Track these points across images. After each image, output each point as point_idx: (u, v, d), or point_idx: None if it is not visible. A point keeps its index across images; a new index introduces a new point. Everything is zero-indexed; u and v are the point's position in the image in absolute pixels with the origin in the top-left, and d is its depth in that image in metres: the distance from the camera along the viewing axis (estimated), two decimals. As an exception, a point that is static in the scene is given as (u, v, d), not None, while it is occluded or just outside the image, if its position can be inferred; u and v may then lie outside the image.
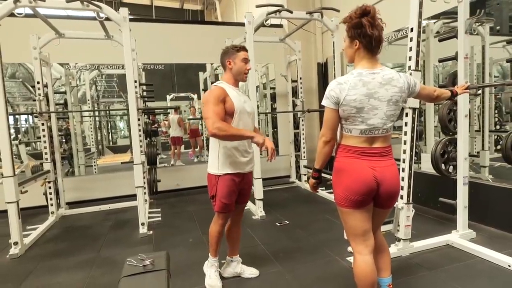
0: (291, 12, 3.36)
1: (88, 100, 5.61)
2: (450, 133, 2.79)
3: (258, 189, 3.38)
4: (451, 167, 2.76)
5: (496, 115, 4.27)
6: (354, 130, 1.36)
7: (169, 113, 7.34)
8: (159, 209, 3.77)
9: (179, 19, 9.39)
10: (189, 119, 6.74)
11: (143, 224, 3.03)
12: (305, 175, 4.68)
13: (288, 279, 2.08)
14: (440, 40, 3.19)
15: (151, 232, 3.06)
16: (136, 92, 3.38)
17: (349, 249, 2.38)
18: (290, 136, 5.01)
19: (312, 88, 5.58)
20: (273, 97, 5.72)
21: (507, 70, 4.13)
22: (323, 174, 1.56)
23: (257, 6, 3.43)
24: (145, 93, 4.65)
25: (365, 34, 1.29)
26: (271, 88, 5.94)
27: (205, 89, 6.08)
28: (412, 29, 2.21)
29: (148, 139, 4.33)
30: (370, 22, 1.28)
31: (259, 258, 2.38)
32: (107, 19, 2.91)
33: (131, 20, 2.96)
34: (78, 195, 4.27)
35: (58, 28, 3.41)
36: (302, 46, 4.61)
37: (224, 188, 1.87)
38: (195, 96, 6.99)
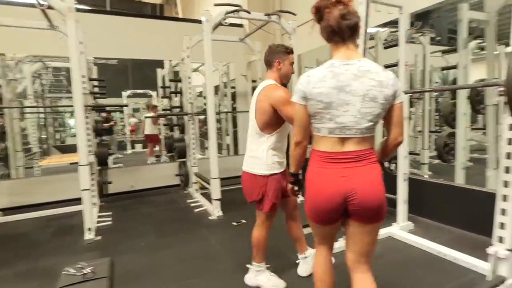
0: (249, 12, 3.37)
1: (30, 95, 5.10)
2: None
3: (214, 189, 3.36)
4: (393, 165, 3.00)
5: (437, 117, 4.69)
6: (323, 129, 1.24)
7: (123, 111, 7.00)
8: (111, 213, 3.56)
9: (137, 13, 8.97)
10: (146, 117, 6.47)
11: (89, 229, 2.83)
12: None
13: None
14: (385, 48, 3.43)
15: (99, 237, 2.88)
16: (84, 88, 3.15)
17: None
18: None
19: (272, 89, 5.66)
20: (234, 97, 5.70)
21: (448, 76, 4.57)
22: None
23: (216, 5, 3.39)
24: (96, 89, 4.36)
25: (323, 29, 1.26)
26: (231, 88, 5.92)
27: (163, 87, 5.86)
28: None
29: (99, 138, 4.07)
30: (317, 18, 1.26)
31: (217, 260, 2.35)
32: (50, 7, 2.67)
33: (80, 10, 2.75)
34: (15, 200, 3.86)
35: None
36: (262, 46, 4.66)
37: (275, 188, 1.85)
38: (154, 94, 6.71)
